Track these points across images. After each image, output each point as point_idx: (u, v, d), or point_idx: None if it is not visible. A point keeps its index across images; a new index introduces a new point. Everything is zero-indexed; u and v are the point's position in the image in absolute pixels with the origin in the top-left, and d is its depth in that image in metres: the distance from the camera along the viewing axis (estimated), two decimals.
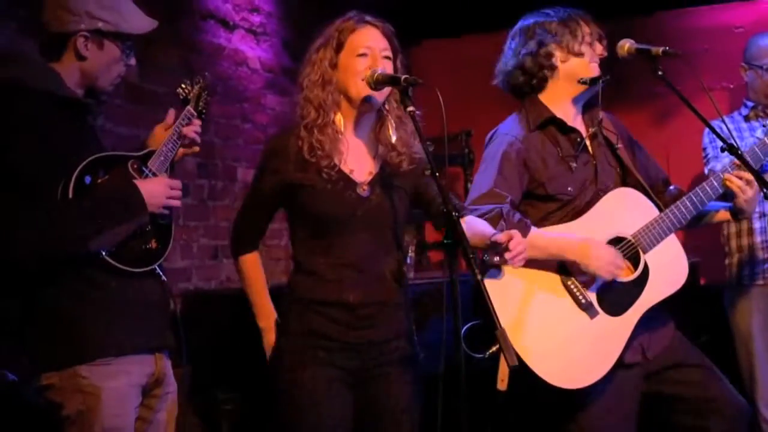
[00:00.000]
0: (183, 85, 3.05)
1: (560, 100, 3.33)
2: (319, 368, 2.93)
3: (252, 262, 3.15)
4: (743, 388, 4.37)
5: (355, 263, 2.96)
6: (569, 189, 3.25)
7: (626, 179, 3.36)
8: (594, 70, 3.29)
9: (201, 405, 4.36)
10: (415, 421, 3.02)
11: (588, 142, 3.33)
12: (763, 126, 4.26)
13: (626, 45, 3.21)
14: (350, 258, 2.96)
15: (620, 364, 3.17)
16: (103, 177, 2.74)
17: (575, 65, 3.30)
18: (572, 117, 3.34)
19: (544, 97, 3.34)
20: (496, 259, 2.83)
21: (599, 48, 3.31)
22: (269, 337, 3.08)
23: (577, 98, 3.34)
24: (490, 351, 2.80)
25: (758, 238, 4.35)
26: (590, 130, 3.35)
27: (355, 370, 2.97)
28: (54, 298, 2.72)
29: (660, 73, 3.11)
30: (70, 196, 2.65)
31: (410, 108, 2.77)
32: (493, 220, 3.08)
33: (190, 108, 3.02)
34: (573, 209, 3.26)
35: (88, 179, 2.69)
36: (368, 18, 3.01)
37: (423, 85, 2.93)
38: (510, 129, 3.35)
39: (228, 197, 5.35)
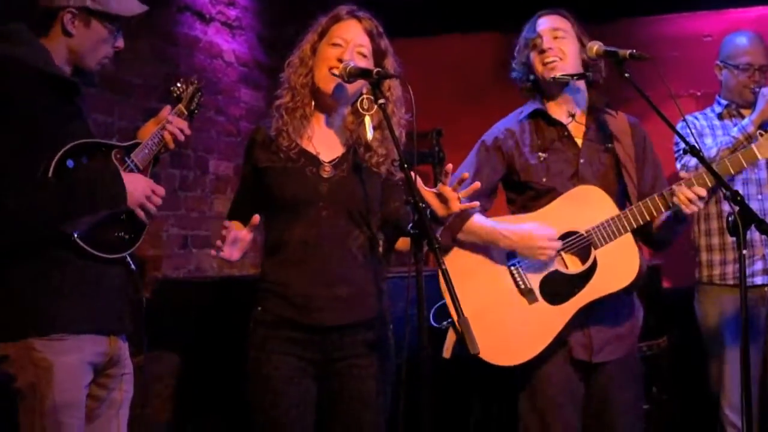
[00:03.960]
0: (177, 84, 3.09)
1: (549, 99, 3.47)
2: (282, 357, 2.94)
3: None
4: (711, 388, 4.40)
5: (318, 242, 2.95)
6: (543, 180, 3.37)
7: (620, 180, 3.41)
8: (540, 71, 3.40)
9: (164, 392, 4.38)
10: (379, 416, 3.01)
11: (580, 140, 3.42)
12: (737, 124, 4.23)
13: (595, 47, 3.27)
14: (314, 236, 2.95)
15: (569, 357, 3.32)
16: (86, 163, 2.76)
17: (536, 71, 3.43)
18: (562, 113, 3.44)
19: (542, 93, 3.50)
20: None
21: (540, 44, 3.39)
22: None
23: (557, 97, 3.44)
24: (448, 321, 3.09)
25: (729, 238, 4.19)
26: (569, 121, 3.42)
27: (317, 361, 2.97)
28: (15, 272, 2.74)
29: (627, 75, 3.16)
30: (50, 176, 2.67)
31: (381, 100, 2.78)
32: None
33: (180, 106, 3.06)
34: (550, 200, 3.36)
35: (70, 163, 2.72)
36: (358, 13, 3.04)
37: (395, 78, 2.98)
38: (502, 121, 3.55)
39: (199, 188, 5.37)
